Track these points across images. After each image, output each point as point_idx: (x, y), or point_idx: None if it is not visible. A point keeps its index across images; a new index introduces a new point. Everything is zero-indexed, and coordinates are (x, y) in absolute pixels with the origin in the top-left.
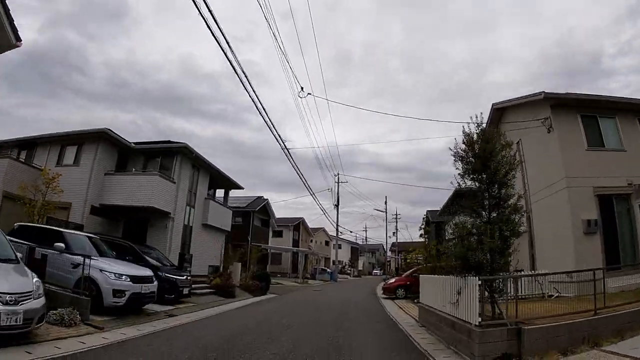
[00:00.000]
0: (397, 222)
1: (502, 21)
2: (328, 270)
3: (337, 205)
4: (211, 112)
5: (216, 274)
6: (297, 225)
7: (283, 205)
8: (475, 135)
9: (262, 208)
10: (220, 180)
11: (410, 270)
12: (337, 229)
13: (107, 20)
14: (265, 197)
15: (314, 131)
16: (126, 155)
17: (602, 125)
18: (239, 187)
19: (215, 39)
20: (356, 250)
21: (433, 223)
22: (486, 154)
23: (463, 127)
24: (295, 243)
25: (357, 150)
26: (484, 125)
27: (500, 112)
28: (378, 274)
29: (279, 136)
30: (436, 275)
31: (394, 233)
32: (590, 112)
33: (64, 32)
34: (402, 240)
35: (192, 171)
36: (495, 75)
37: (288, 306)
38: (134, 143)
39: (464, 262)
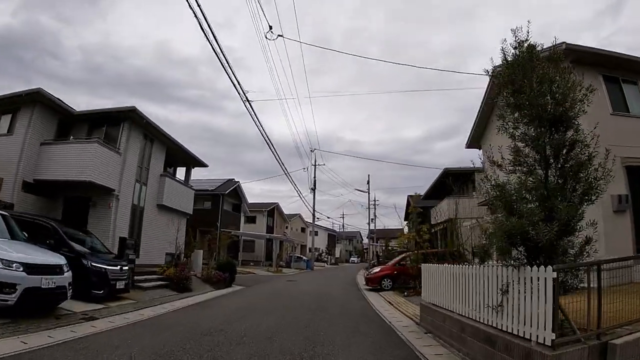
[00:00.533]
0: (375, 208)
1: (485, 12)
2: (304, 258)
3: (313, 189)
4: (188, 98)
5: (171, 264)
6: (272, 210)
7: (259, 193)
8: (520, 55)
9: (233, 191)
10: (180, 156)
11: (398, 258)
12: (313, 215)
13: (82, 2)
14: (236, 180)
15: (290, 97)
16: (69, 124)
17: (625, 89)
18: (202, 165)
19: None
20: (333, 238)
21: (416, 207)
22: (544, 77)
23: (502, 41)
24: (270, 229)
25: (335, 138)
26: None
27: None
28: (356, 261)
29: (237, 81)
30: (451, 265)
31: (372, 220)
32: (612, 73)
33: (38, 16)
34: (380, 227)
35: (143, 142)
36: (476, 67)
37: (253, 303)
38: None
39: (519, 241)
